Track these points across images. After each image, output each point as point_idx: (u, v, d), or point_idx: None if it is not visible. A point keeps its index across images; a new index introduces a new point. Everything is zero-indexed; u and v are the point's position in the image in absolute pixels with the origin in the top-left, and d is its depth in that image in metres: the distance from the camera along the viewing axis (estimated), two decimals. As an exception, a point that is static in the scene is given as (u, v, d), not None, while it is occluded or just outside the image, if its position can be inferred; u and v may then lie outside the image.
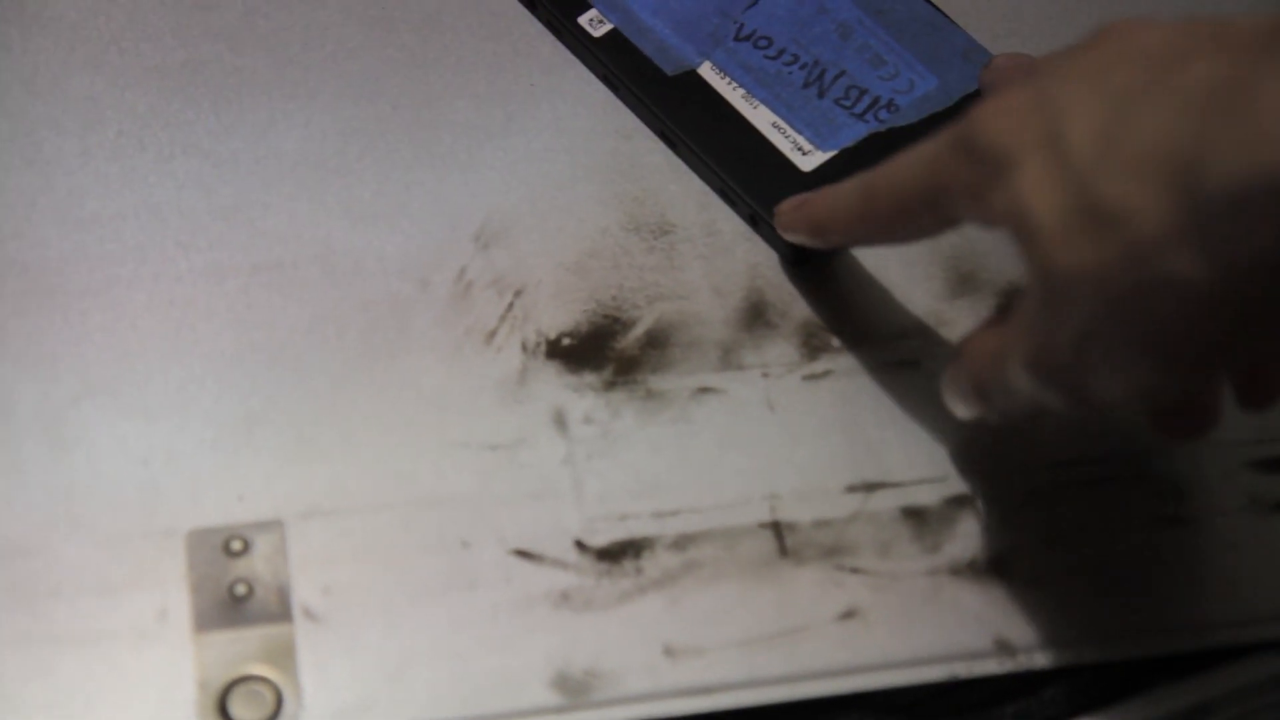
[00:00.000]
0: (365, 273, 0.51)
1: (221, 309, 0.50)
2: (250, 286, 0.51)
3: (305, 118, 0.53)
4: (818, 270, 0.52)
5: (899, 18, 0.54)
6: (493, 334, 0.51)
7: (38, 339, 0.50)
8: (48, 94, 0.53)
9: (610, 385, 0.50)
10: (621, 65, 0.53)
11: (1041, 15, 0.55)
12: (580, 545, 0.48)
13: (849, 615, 0.47)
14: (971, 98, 0.53)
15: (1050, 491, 0.49)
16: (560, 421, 0.50)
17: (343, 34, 0.54)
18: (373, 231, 0.52)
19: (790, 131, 0.52)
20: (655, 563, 0.48)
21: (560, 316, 0.51)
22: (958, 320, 0.51)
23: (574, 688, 0.46)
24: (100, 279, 0.51)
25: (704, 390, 0.50)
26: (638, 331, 0.51)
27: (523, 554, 0.48)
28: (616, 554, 0.48)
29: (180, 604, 0.47)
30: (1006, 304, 0.51)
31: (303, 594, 0.47)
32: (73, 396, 0.49)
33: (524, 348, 0.50)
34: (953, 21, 0.54)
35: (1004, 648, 0.47)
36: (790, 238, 0.50)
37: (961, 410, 0.46)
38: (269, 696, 0.46)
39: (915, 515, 0.49)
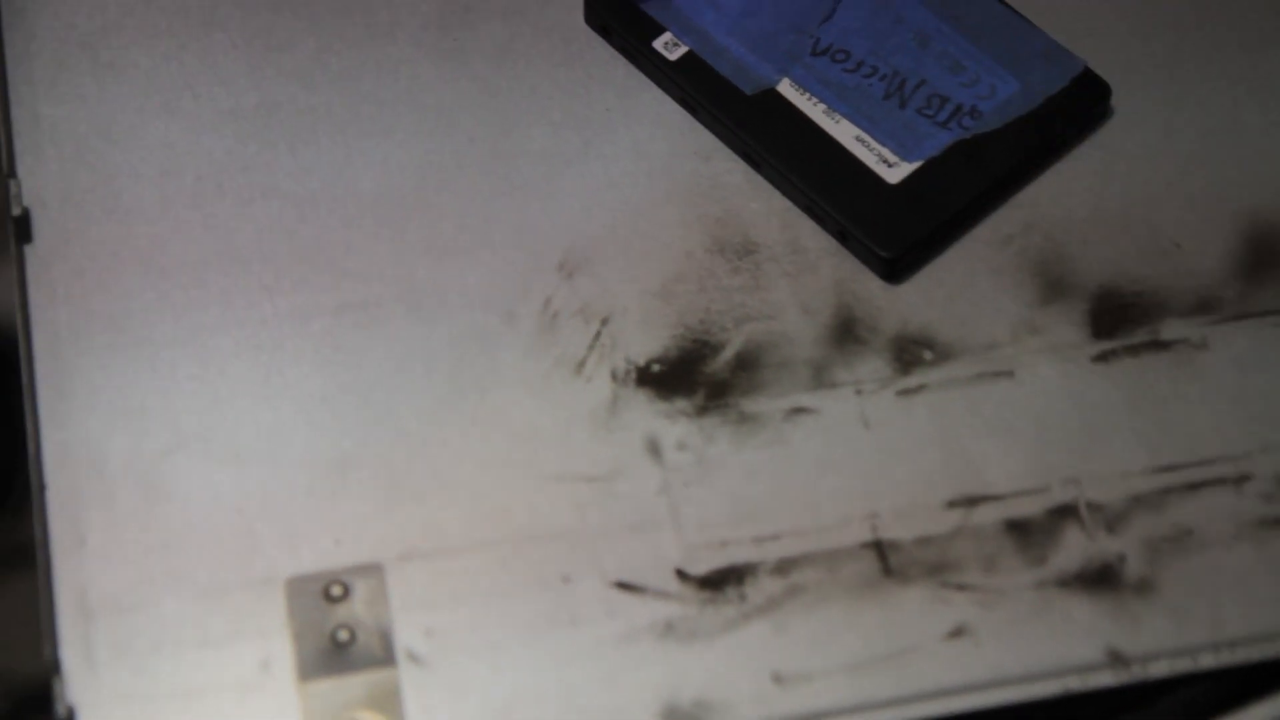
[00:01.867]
0: (450, 307, 0.51)
1: (309, 351, 0.50)
2: (336, 327, 0.51)
3: (382, 154, 0.53)
4: (907, 283, 0.51)
5: (976, 22, 0.53)
6: (582, 364, 0.50)
7: (126, 391, 0.50)
8: (125, 142, 0.53)
9: (703, 410, 0.50)
10: (699, 87, 0.53)
11: (1119, 12, 0.54)
12: (682, 575, 0.48)
13: (957, 633, 0.47)
14: (1054, 99, 0.52)
15: (1154, 497, 0.48)
16: (654, 450, 0.49)
17: (415, 68, 0.54)
18: (455, 265, 0.51)
19: (874, 144, 0.52)
20: (758, 589, 0.47)
21: (648, 343, 0.50)
22: (1050, 327, 0.50)
23: None
24: (186, 327, 0.50)
25: (797, 411, 0.50)
26: (727, 354, 0.50)
27: (624, 586, 0.47)
28: (719, 582, 0.47)
29: (283, 653, 0.47)
30: (1098, 308, 0.50)
31: (405, 637, 0.47)
32: (164, 448, 0.49)
33: (614, 376, 0.50)
34: (1031, 23, 0.53)
35: (1117, 659, 0.46)
36: None
37: None
38: (376, 742, 0.46)
39: (1019, 528, 0.48)
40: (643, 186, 0.52)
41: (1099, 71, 0.53)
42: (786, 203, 0.52)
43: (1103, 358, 0.50)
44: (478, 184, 0.52)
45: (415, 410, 0.49)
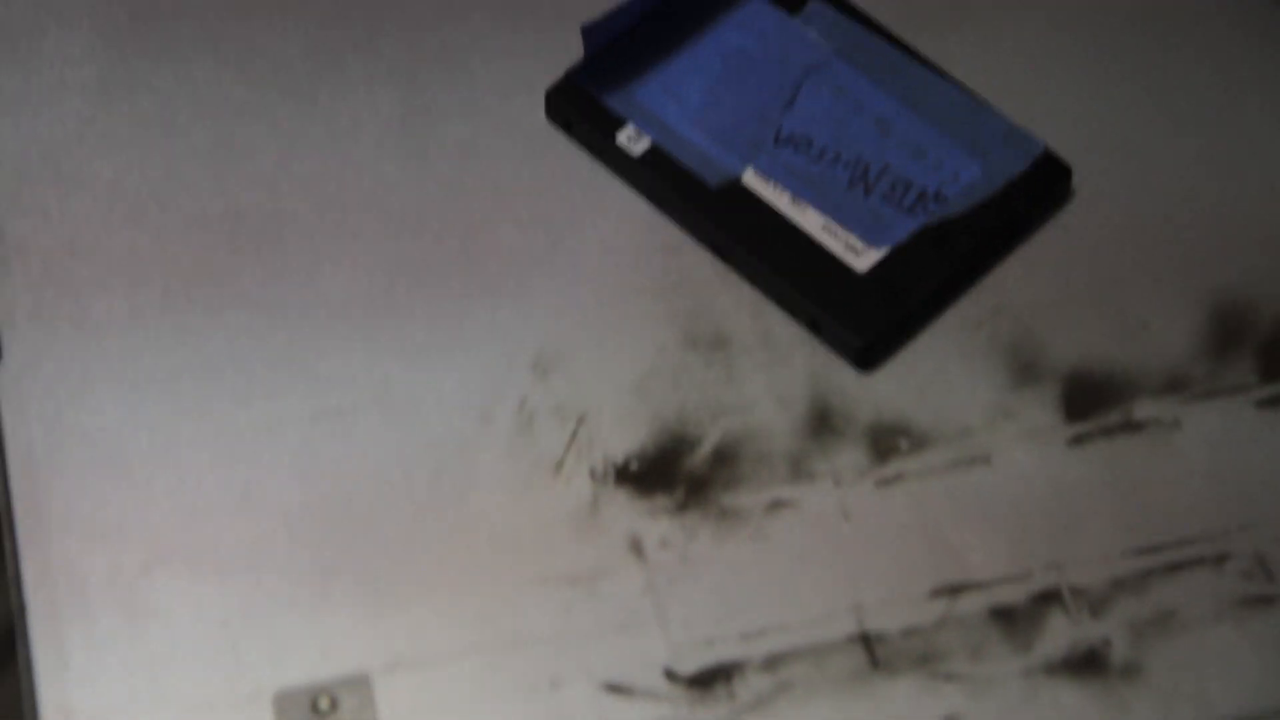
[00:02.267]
0: (425, 412, 0.51)
1: (286, 461, 0.50)
2: (312, 436, 0.50)
3: (351, 258, 0.53)
4: (880, 371, 0.51)
5: (936, 107, 0.54)
6: (560, 464, 0.50)
7: (104, 508, 0.49)
8: (91, 254, 0.53)
9: (683, 507, 0.50)
10: (664, 180, 0.53)
11: (1076, 93, 0.54)
12: (670, 674, 0.48)
13: (947, 723, 0.47)
14: (1016, 182, 0.53)
15: (1136, 579, 0.49)
16: (637, 548, 0.49)
17: (380, 171, 0.54)
18: (429, 369, 0.51)
19: (841, 232, 0.52)
20: (747, 686, 0.47)
21: (626, 440, 0.51)
22: (1024, 411, 0.51)
23: (677, 821, 0.46)
24: (161, 441, 0.50)
25: (777, 504, 0.50)
26: (705, 449, 0.51)
27: (614, 688, 0.47)
28: (708, 680, 0.48)
29: (275, 771, 0.46)
30: (1071, 390, 0.51)
31: (397, 750, 0.47)
32: (144, 564, 0.49)
33: (593, 475, 0.50)
34: (990, 106, 0.53)
35: (1105, 743, 0.47)
36: None
37: None
38: None
39: (1004, 615, 0.48)
40: (612, 282, 0.52)
41: (1059, 152, 0.53)
42: (757, 294, 0.52)
43: (1077, 440, 0.50)
44: (448, 285, 0.52)
45: (396, 516, 0.49)
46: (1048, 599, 0.48)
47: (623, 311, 0.52)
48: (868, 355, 0.51)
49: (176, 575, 0.49)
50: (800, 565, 0.49)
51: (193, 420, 0.51)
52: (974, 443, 0.50)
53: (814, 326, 0.52)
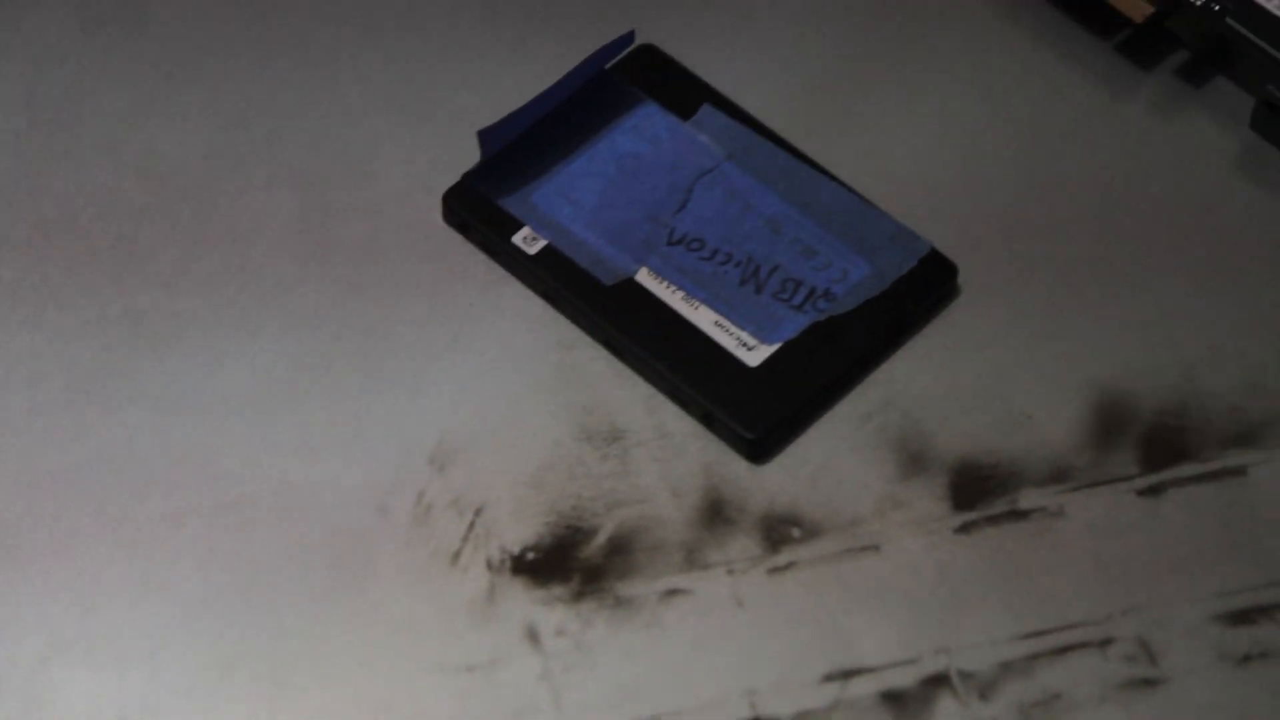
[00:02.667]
0: (324, 505, 0.51)
1: (184, 553, 0.51)
2: (211, 528, 0.51)
3: (249, 356, 0.53)
4: (772, 463, 0.52)
5: (825, 208, 0.55)
6: (457, 555, 0.51)
7: (1, 601, 0.50)
8: (-11, 354, 0.53)
9: (579, 596, 0.50)
10: (559, 279, 0.54)
11: (960, 195, 0.56)
12: (566, 760, 0.48)
13: (840, 806, 0.48)
14: (904, 280, 0.54)
15: (1023, 663, 0.49)
16: (533, 637, 0.50)
17: (279, 270, 0.55)
18: (327, 463, 0.52)
19: (733, 329, 0.53)
20: (643, 771, 0.48)
21: (522, 531, 0.51)
22: (912, 501, 0.52)
23: None
24: (59, 534, 0.51)
25: (672, 592, 0.50)
26: (600, 540, 0.51)
27: (510, 774, 0.48)
28: (603, 766, 0.48)
29: None
30: (958, 481, 0.52)
31: (295, 836, 0.47)
32: (40, 657, 0.49)
33: (489, 566, 0.51)
34: (877, 207, 0.55)
35: (996, 823, 0.48)
36: None
37: None
38: None
39: (894, 699, 0.49)
40: (509, 378, 0.53)
41: (945, 252, 0.54)
42: (651, 389, 0.53)
43: (965, 529, 0.51)
44: (345, 381, 0.53)
45: (294, 608, 0.50)
46: (937, 683, 0.49)
47: (519, 406, 0.53)
48: (760, 448, 0.52)
49: (74, 667, 0.49)
50: (695, 652, 0.50)
51: (91, 515, 0.51)
52: (864, 531, 0.51)
53: (707, 420, 0.53)
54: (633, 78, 0.57)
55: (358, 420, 0.53)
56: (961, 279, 0.54)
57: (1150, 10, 0.56)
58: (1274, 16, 0.56)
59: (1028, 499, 0.52)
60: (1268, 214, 0.55)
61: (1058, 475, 0.52)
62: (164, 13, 0.58)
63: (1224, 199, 0.56)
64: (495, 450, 0.52)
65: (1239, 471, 0.52)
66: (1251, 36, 0.56)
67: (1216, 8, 0.56)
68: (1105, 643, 0.50)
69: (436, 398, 0.53)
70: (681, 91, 0.57)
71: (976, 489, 0.52)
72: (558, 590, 0.50)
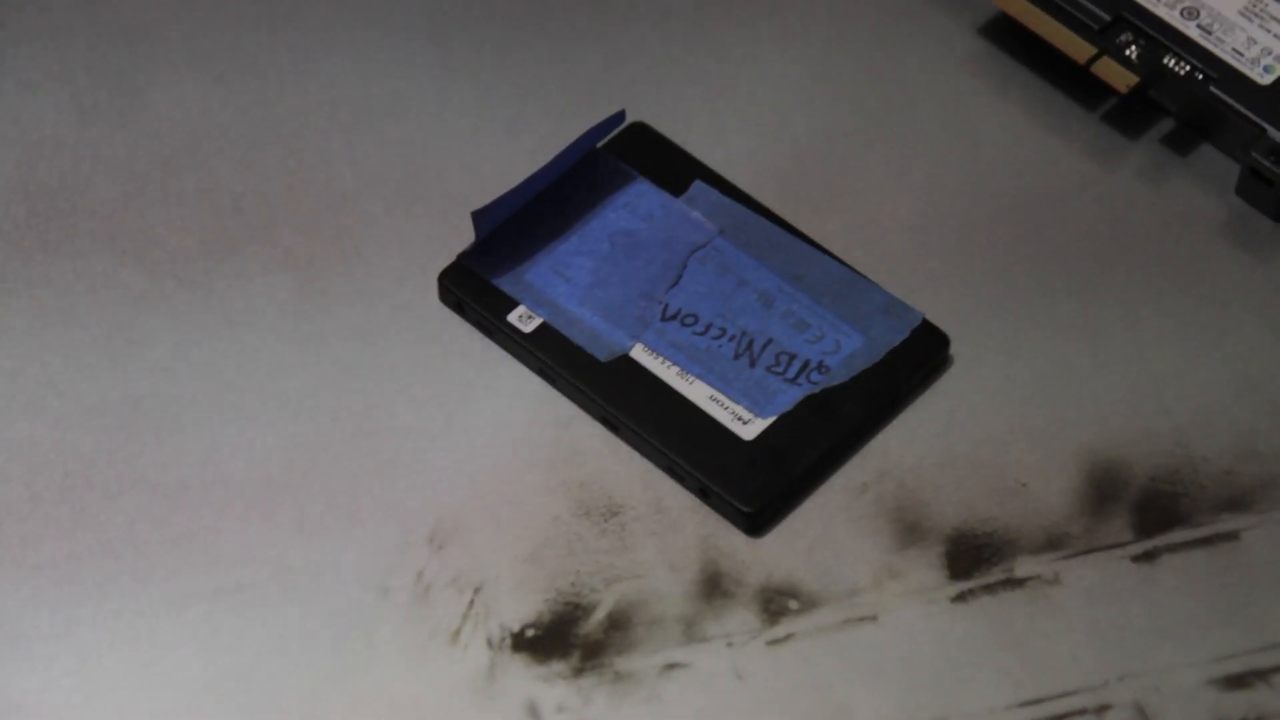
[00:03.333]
0: (324, 586, 0.52)
1: (186, 638, 0.51)
2: (213, 613, 0.51)
3: (248, 439, 0.54)
4: (769, 535, 0.52)
5: (817, 281, 0.55)
6: (457, 633, 0.51)
7: (4, 689, 0.50)
8: (-9, 442, 0.54)
9: (579, 672, 0.51)
10: (555, 357, 0.54)
11: (952, 266, 0.56)
12: (569, 837, 0.48)
13: None
14: (897, 351, 0.54)
15: (1023, 730, 0.50)
16: (534, 713, 0.50)
17: (276, 354, 0.55)
18: (327, 544, 0.52)
19: (728, 403, 0.54)
20: (645, 846, 0.48)
21: (522, 608, 0.52)
22: (909, 571, 0.52)
23: None
24: (61, 622, 0.51)
25: (671, 666, 0.51)
26: (599, 615, 0.52)
27: None
28: (606, 842, 0.48)
29: None
30: (954, 550, 0.52)
31: None
32: (46, 743, 0.49)
33: (489, 644, 0.51)
34: (869, 279, 0.55)
35: None
36: None
37: None
38: None
39: (894, 769, 0.49)
40: (506, 456, 0.54)
41: (937, 322, 0.55)
42: (647, 464, 0.54)
43: (961, 598, 0.52)
44: (344, 463, 0.53)
45: (297, 691, 0.50)
46: (937, 752, 0.49)
47: (517, 484, 0.53)
48: (757, 521, 0.53)
49: (78, 753, 0.49)
50: (695, 726, 0.50)
51: (93, 602, 0.51)
52: (861, 602, 0.51)
53: (704, 494, 0.53)
54: (624, 155, 0.57)
55: (356, 501, 0.53)
56: (954, 349, 0.55)
57: (1135, 81, 0.57)
58: (1257, 85, 0.57)
59: (1023, 567, 0.52)
60: (1256, 279, 0.56)
61: (1053, 543, 0.52)
62: (161, 100, 0.58)
63: (1212, 264, 0.56)
64: (494, 528, 0.53)
65: (1232, 536, 0.52)
66: (1235, 104, 0.56)
67: (1200, 77, 0.57)
68: (1102, 709, 0.50)
69: (435, 477, 0.53)
70: (673, 168, 0.57)
71: (972, 558, 0.52)
72: (558, 666, 0.51)
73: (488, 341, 0.55)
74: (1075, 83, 0.58)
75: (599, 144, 0.57)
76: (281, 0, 0.60)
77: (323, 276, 0.56)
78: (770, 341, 0.55)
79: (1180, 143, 0.58)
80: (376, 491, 0.53)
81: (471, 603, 0.52)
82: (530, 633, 0.51)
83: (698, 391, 0.54)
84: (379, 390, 0.55)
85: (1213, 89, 0.57)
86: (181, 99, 0.58)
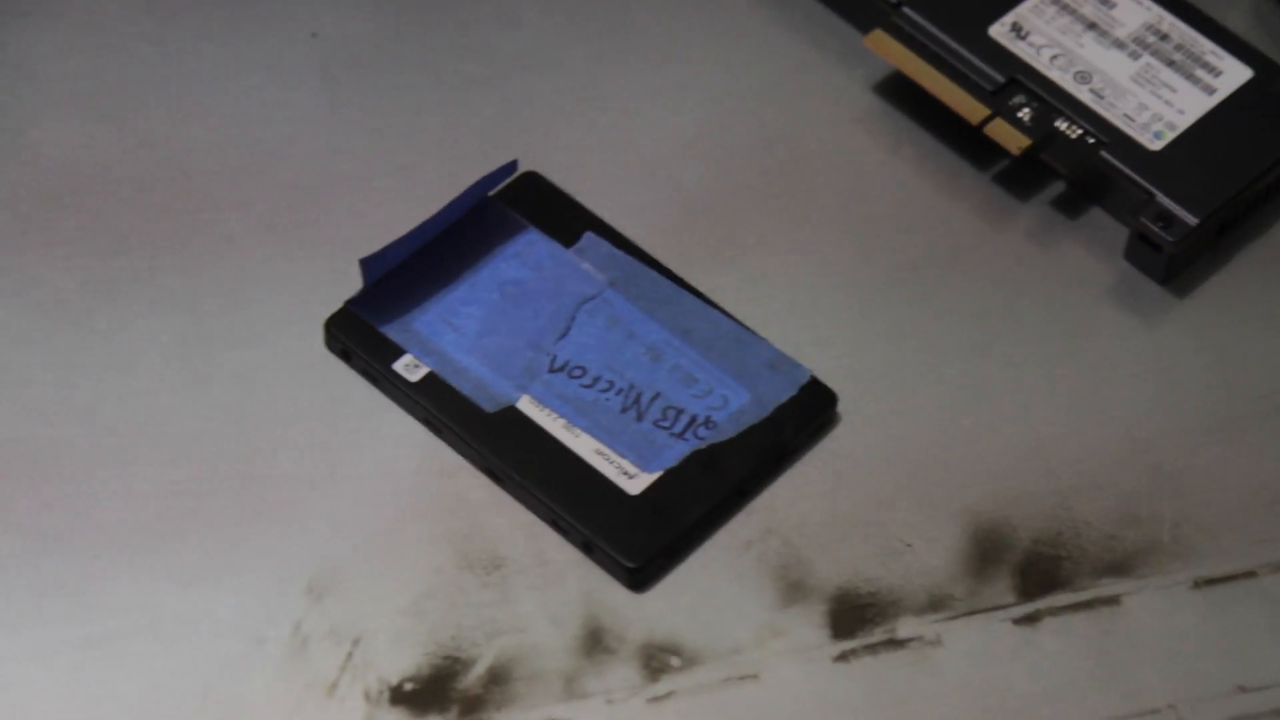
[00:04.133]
0: (199, 636, 0.51)
1: (55, 688, 0.50)
2: (83, 662, 0.50)
3: (126, 485, 0.53)
4: (652, 590, 0.52)
5: (705, 335, 0.55)
6: (334, 686, 0.51)
7: None
8: None
9: (457, 727, 0.50)
10: (441, 407, 0.54)
11: (840, 324, 0.56)
12: None
13: None
14: (783, 408, 0.54)
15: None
16: (410, 769, 0.49)
17: (158, 399, 0.54)
18: (202, 594, 0.52)
19: (614, 456, 0.53)
20: None
21: (400, 661, 0.51)
22: (792, 629, 0.52)
23: None
24: (-70, 667, 0.50)
25: (550, 723, 0.50)
26: (479, 669, 0.51)
27: None
28: None
29: None
30: (837, 609, 0.52)
31: None
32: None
33: (367, 697, 0.50)
34: (757, 335, 0.55)
35: None
36: None
37: None
38: None
39: (772, 830, 0.49)
40: (389, 506, 0.53)
41: (825, 380, 0.55)
42: (531, 516, 0.53)
43: (843, 657, 0.51)
44: (223, 511, 0.53)
45: (167, 741, 0.49)
46: (816, 814, 0.49)
47: (399, 534, 0.53)
48: (640, 576, 0.52)
49: (-58, 802, 0.48)
50: (572, 784, 0.49)
51: (-38, 646, 0.50)
52: (743, 660, 0.51)
53: (587, 549, 0.53)
54: (516, 205, 0.57)
55: (234, 550, 0.52)
56: (841, 407, 0.55)
57: (1027, 143, 0.57)
58: (1147, 150, 0.57)
59: (906, 628, 0.52)
60: (1142, 343, 0.56)
61: (936, 604, 0.52)
62: (44, 139, 0.58)
63: (1099, 328, 0.56)
64: (374, 579, 0.52)
65: (1113, 601, 0.52)
66: (1125, 169, 0.57)
67: (1091, 141, 0.57)
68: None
69: (315, 526, 0.53)
70: (564, 219, 0.57)
71: (855, 617, 0.52)
72: (435, 721, 0.50)
73: (373, 390, 0.55)
74: (968, 143, 0.59)
75: (490, 193, 0.57)
76: (170, 40, 0.60)
77: (207, 320, 0.56)
78: (658, 395, 0.54)
79: (1070, 206, 0.58)
80: (255, 540, 0.52)
81: (349, 655, 0.51)
82: (409, 686, 0.51)
83: (584, 444, 0.54)
84: (261, 437, 0.54)
85: (1103, 153, 0.57)
86: (65, 137, 0.58)
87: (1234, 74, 0.58)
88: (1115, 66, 0.58)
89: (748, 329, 0.55)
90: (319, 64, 0.59)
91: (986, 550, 0.53)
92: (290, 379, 0.55)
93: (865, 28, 0.59)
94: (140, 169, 0.58)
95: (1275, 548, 0.53)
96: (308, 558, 0.52)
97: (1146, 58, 0.58)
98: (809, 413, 0.54)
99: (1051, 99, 0.58)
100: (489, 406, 0.54)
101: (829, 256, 0.57)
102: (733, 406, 0.54)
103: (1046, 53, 0.58)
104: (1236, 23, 0.60)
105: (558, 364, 0.55)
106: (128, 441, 0.54)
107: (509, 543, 0.53)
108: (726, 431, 0.54)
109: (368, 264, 0.55)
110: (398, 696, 0.50)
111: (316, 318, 0.55)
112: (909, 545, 0.53)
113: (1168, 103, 0.58)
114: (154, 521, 0.52)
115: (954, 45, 0.58)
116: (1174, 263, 0.56)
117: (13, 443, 0.53)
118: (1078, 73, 0.58)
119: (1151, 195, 0.56)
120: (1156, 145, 0.57)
